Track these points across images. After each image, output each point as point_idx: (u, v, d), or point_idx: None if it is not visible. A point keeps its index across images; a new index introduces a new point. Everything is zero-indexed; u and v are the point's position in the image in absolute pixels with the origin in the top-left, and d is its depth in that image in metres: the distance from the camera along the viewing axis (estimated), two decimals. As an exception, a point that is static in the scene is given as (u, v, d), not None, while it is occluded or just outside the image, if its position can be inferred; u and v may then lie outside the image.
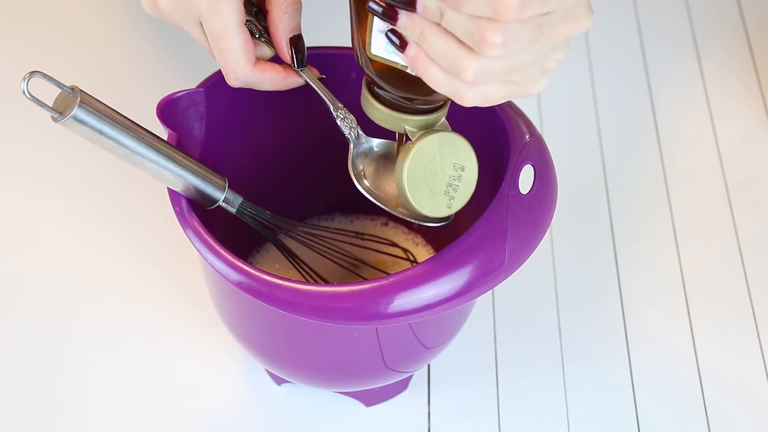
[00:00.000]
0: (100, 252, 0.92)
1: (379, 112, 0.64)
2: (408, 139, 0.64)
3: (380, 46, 0.59)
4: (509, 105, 0.71)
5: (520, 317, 0.88)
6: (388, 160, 0.71)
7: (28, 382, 0.83)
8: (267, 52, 0.70)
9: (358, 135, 0.70)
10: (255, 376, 0.84)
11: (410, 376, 0.83)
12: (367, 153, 0.71)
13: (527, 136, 0.69)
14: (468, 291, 0.62)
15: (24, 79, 0.58)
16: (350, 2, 0.60)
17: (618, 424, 0.82)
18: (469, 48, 0.54)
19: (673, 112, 1.04)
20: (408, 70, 0.59)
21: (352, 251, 0.82)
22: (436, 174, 0.64)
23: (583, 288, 0.90)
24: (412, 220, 0.67)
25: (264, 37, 0.70)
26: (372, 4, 0.56)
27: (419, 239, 0.87)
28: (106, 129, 0.61)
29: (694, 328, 0.88)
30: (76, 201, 0.95)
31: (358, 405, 0.83)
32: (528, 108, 0.75)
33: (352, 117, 0.70)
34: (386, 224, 0.88)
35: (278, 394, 0.83)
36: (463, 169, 0.65)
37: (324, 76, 0.72)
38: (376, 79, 0.62)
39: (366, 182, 0.69)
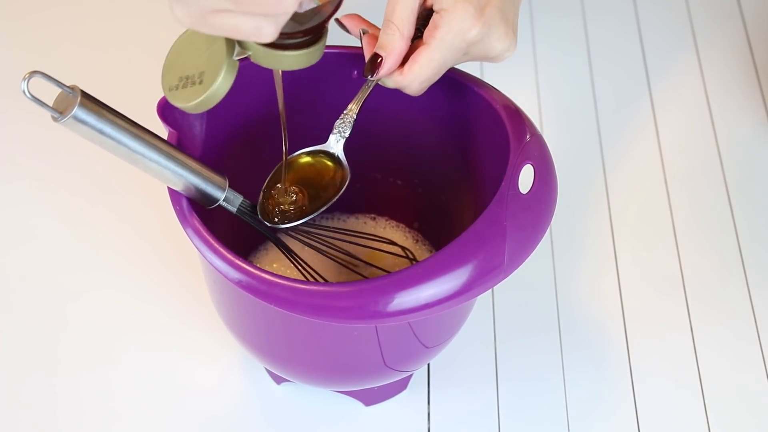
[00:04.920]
0: (100, 251, 0.92)
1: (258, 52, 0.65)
2: None
3: None
4: (509, 104, 0.71)
5: (520, 317, 0.88)
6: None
7: (24, 381, 0.83)
8: None
9: (338, 138, 0.73)
10: (255, 375, 0.84)
11: (410, 376, 0.83)
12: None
13: (527, 136, 0.69)
14: (467, 290, 0.62)
15: (24, 79, 0.58)
16: None
17: (618, 422, 0.82)
18: None
19: (673, 112, 1.04)
20: None
21: (351, 250, 0.82)
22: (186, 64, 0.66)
23: (583, 288, 0.90)
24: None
25: None
26: None
27: (419, 238, 0.87)
28: (106, 129, 0.61)
29: (694, 328, 0.88)
30: (75, 200, 0.95)
31: (357, 404, 0.83)
32: (528, 108, 0.75)
33: (350, 125, 0.73)
34: (386, 223, 0.88)
35: (278, 393, 0.83)
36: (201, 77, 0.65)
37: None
38: None
39: None
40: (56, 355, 0.85)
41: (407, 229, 0.88)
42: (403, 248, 0.84)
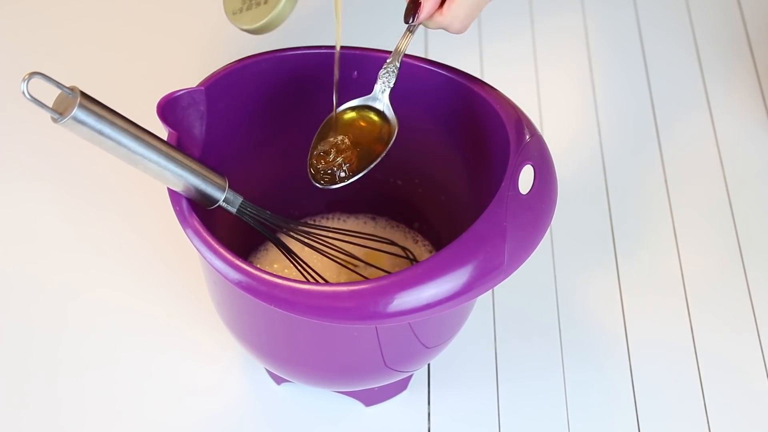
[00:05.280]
0: (100, 251, 0.92)
1: None
2: None
3: None
4: (509, 104, 0.71)
5: (520, 317, 0.88)
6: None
7: (25, 381, 0.84)
8: None
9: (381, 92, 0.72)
10: (255, 375, 0.84)
11: (410, 376, 0.83)
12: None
13: (527, 136, 0.69)
14: (467, 291, 0.62)
15: (24, 79, 0.58)
16: None
17: (618, 422, 0.82)
18: None
19: (673, 112, 1.04)
20: None
21: (351, 250, 0.82)
22: None
23: (583, 288, 0.90)
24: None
25: None
26: None
27: (419, 238, 0.87)
28: (106, 129, 0.61)
29: (694, 328, 0.88)
30: (76, 201, 0.95)
31: (357, 405, 0.83)
32: (528, 108, 0.75)
33: (394, 74, 0.72)
34: (386, 223, 0.88)
35: (278, 394, 0.83)
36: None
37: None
38: None
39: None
40: (56, 354, 0.85)
41: (407, 229, 0.88)
42: (403, 248, 0.85)
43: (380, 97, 0.72)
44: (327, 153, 0.72)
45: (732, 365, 0.85)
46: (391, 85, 0.72)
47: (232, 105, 0.75)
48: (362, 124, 0.73)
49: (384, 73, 0.72)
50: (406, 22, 0.70)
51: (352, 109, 0.73)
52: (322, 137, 0.73)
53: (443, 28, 0.70)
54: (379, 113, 0.73)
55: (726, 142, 1.01)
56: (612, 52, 1.09)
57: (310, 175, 0.72)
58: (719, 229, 0.94)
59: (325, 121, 0.74)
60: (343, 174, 0.72)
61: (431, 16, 0.69)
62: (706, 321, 0.88)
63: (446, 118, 0.77)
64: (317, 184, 0.72)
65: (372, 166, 0.72)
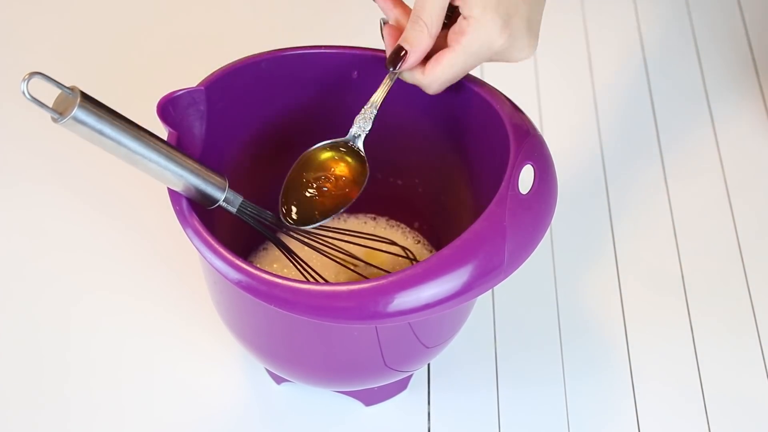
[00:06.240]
0: (100, 252, 0.92)
1: None
2: None
3: None
4: (509, 104, 0.71)
5: (521, 317, 0.88)
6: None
7: (28, 382, 0.84)
8: None
9: (356, 136, 0.73)
10: (255, 375, 0.84)
11: (410, 376, 0.83)
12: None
13: (527, 136, 0.69)
14: (467, 291, 0.62)
15: (24, 79, 0.58)
16: None
17: (618, 422, 0.82)
18: None
19: (673, 112, 1.04)
20: None
21: (351, 250, 0.82)
22: None
23: (584, 288, 0.90)
24: None
25: None
26: None
27: (419, 238, 0.87)
28: (106, 129, 0.61)
29: (694, 328, 0.88)
30: (76, 202, 0.95)
31: (357, 404, 0.83)
32: (528, 108, 0.75)
33: (370, 120, 0.72)
34: (386, 223, 0.88)
35: (278, 394, 0.83)
36: None
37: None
38: None
39: None
40: (58, 355, 0.85)
41: (407, 229, 0.88)
42: (403, 248, 0.84)
43: (354, 142, 0.73)
44: (301, 192, 0.73)
45: (732, 365, 0.85)
46: (366, 131, 0.73)
47: (232, 105, 0.75)
48: (337, 165, 0.74)
49: (360, 119, 0.72)
50: (388, 69, 0.70)
51: (330, 148, 0.74)
52: (296, 176, 0.73)
53: (419, 86, 0.71)
54: (354, 153, 0.73)
55: (726, 142, 1.01)
56: (612, 52, 1.09)
57: (281, 213, 0.72)
58: (719, 229, 0.94)
59: (299, 159, 0.74)
60: (314, 214, 0.73)
61: (412, 70, 0.70)
62: (706, 321, 0.88)
63: (446, 117, 0.77)
64: (286, 222, 0.72)
65: (343, 209, 0.73)
